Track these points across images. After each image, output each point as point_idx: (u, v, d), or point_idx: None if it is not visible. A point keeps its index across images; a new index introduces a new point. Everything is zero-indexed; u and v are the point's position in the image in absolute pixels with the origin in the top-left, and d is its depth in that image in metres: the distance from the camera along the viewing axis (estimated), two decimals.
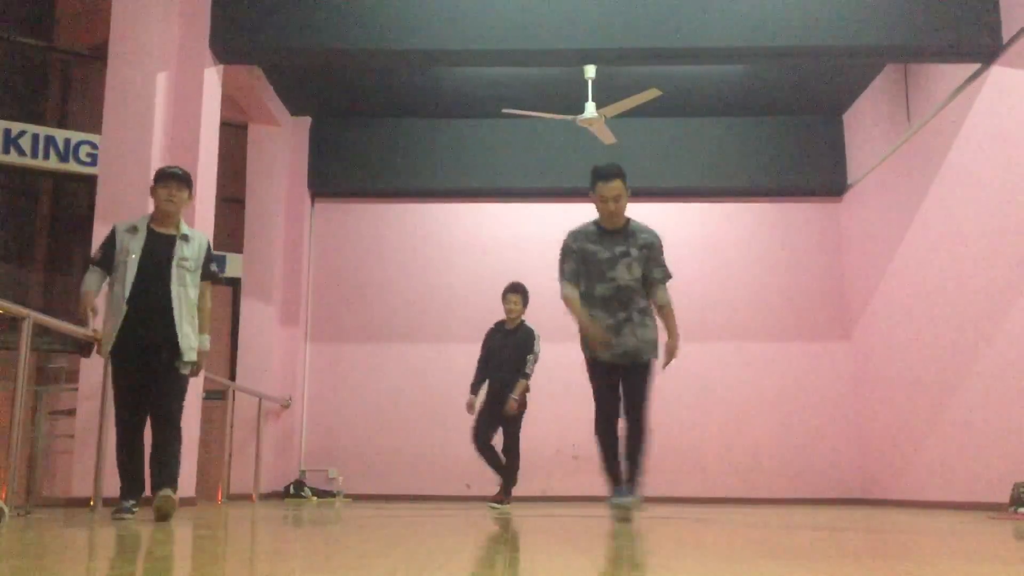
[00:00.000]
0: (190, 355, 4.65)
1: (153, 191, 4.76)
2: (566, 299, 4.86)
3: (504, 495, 6.78)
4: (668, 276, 4.93)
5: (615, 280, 4.82)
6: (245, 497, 8.56)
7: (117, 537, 3.12)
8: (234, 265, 9.45)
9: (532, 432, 9.85)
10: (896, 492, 8.65)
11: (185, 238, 4.77)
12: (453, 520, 4.74)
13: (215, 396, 8.38)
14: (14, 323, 4.56)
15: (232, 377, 9.18)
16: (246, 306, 9.37)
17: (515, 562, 2.27)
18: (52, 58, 9.07)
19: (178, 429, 4.65)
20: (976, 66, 7.12)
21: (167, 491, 4.37)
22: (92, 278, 4.70)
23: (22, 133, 8.15)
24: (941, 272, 7.70)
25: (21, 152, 8.12)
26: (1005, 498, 6.26)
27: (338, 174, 10.16)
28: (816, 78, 9.19)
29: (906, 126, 8.43)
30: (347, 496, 9.50)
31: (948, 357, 7.55)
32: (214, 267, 4.89)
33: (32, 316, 4.50)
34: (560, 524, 4.36)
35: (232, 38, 7.08)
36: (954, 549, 2.76)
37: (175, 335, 4.61)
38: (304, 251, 10.01)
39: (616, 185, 4.85)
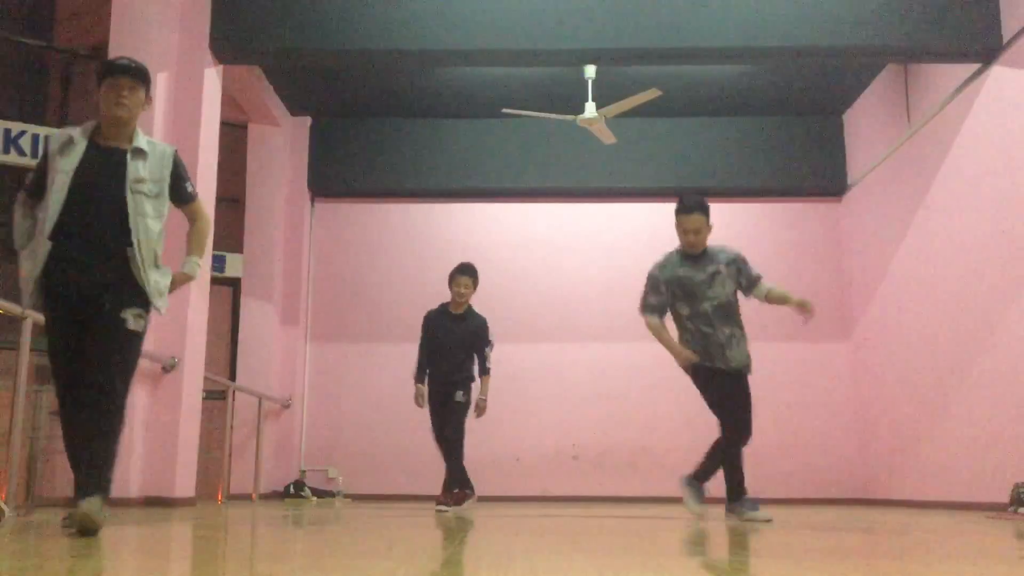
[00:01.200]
0: (158, 301, 3.60)
1: (98, 92, 3.63)
2: (652, 328, 5.17)
3: (450, 494, 6.20)
4: (757, 276, 5.21)
5: (716, 298, 5.09)
6: (245, 497, 8.56)
7: (116, 537, 3.11)
8: (234, 265, 9.44)
9: (532, 432, 9.88)
10: (896, 492, 8.65)
11: (139, 153, 3.63)
12: (453, 520, 4.74)
13: (215, 396, 8.38)
14: (14, 323, 4.56)
15: (232, 377, 9.18)
16: (246, 306, 9.37)
17: (515, 562, 2.26)
18: (52, 58, 9.07)
19: (119, 408, 3.47)
20: (976, 66, 7.12)
21: (93, 501, 3.19)
22: (20, 223, 3.63)
23: (22, 133, 8.15)
24: (941, 272, 7.70)
25: (21, 152, 8.12)
26: (1005, 498, 6.26)
27: (338, 174, 10.16)
28: (816, 78, 9.19)
29: (906, 126, 8.43)
30: (347, 496, 9.50)
31: (948, 357, 7.55)
32: (189, 187, 3.81)
33: (32, 316, 4.50)
34: (560, 524, 4.36)
35: (232, 38, 7.08)
36: (954, 549, 2.76)
37: (128, 278, 3.52)
38: (304, 251, 10.01)
39: (696, 218, 5.05)
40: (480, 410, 6.28)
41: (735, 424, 5.02)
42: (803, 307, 5.02)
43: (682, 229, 5.11)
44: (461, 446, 6.22)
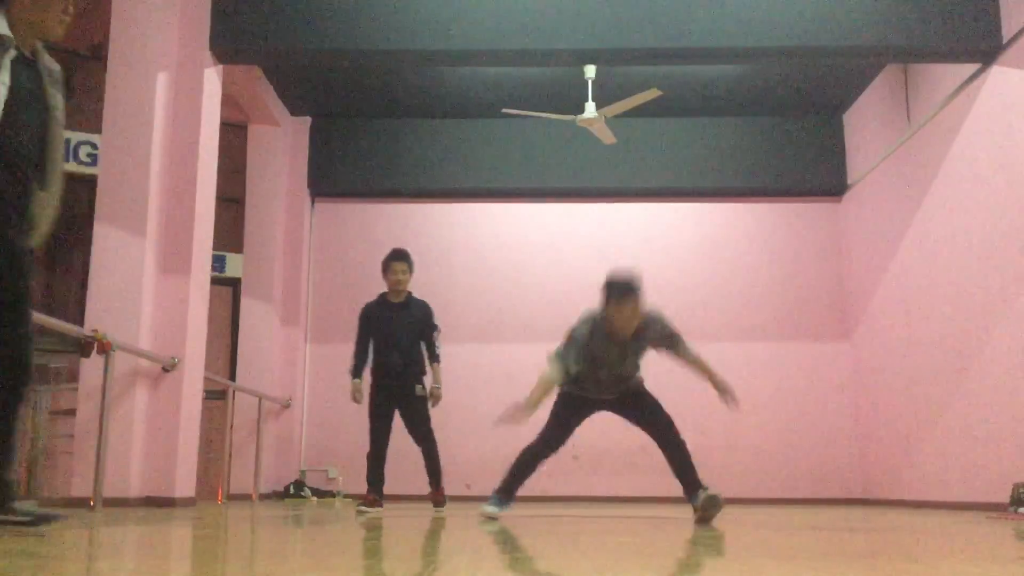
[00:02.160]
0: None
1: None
2: (544, 381, 4.66)
3: (440, 495, 6.27)
4: (680, 335, 4.86)
5: (618, 371, 4.83)
6: (245, 497, 8.56)
7: (117, 536, 3.12)
8: (234, 265, 9.44)
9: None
10: (896, 492, 8.65)
11: (51, 73, 3.16)
12: (453, 520, 4.75)
13: (215, 396, 8.38)
14: None
15: (232, 377, 9.18)
16: (246, 306, 9.37)
17: (515, 562, 2.27)
18: (52, 58, 9.06)
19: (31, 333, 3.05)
20: (976, 66, 7.12)
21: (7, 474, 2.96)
22: None
23: None
24: (941, 272, 7.70)
25: None
26: (1005, 498, 6.26)
27: (338, 174, 10.16)
28: (816, 78, 9.19)
29: (906, 126, 8.43)
30: (347, 496, 9.50)
31: (947, 357, 7.55)
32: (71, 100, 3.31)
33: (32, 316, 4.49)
34: (560, 524, 4.36)
35: (232, 38, 7.08)
36: (954, 549, 2.76)
37: (26, 205, 3.03)
38: (304, 251, 10.01)
39: (632, 307, 4.55)
40: (436, 399, 6.09)
41: (675, 436, 5.03)
42: (729, 392, 4.83)
43: (613, 317, 4.60)
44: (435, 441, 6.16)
